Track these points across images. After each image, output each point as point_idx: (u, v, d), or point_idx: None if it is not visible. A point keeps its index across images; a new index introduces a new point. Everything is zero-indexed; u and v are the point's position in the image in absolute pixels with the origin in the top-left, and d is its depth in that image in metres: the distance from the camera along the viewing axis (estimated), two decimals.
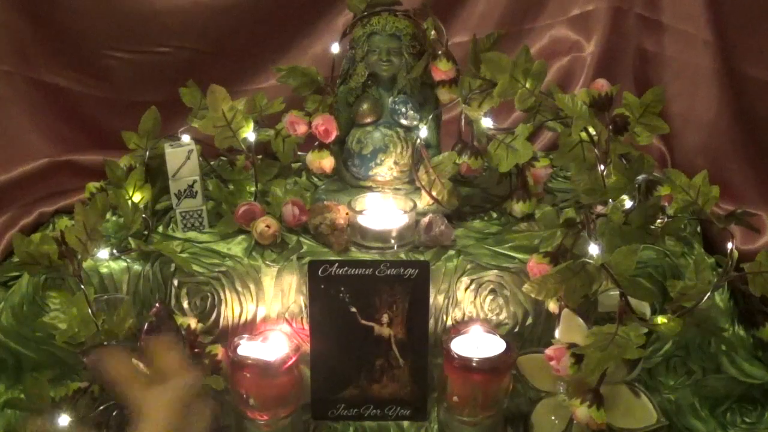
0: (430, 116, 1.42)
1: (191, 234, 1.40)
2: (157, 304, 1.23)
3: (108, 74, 1.72)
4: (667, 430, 1.27)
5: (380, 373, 1.31)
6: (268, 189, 1.45)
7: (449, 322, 1.33)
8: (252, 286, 1.32)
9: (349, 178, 1.48)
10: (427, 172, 1.40)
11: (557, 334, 1.23)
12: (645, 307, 1.23)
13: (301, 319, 1.33)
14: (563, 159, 1.36)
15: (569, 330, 1.22)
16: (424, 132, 1.41)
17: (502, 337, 1.28)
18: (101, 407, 1.18)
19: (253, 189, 1.44)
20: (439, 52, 1.40)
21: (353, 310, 1.28)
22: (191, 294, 1.32)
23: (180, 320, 1.27)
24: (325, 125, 1.41)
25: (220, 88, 1.39)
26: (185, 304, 1.32)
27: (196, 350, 1.24)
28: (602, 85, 1.33)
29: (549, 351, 1.19)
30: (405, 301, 1.27)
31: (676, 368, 1.36)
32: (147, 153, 1.48)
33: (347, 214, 1.37)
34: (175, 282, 1.32)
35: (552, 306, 1.27)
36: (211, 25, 1.71)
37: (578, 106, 1.30)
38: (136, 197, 1.40)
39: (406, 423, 1.33)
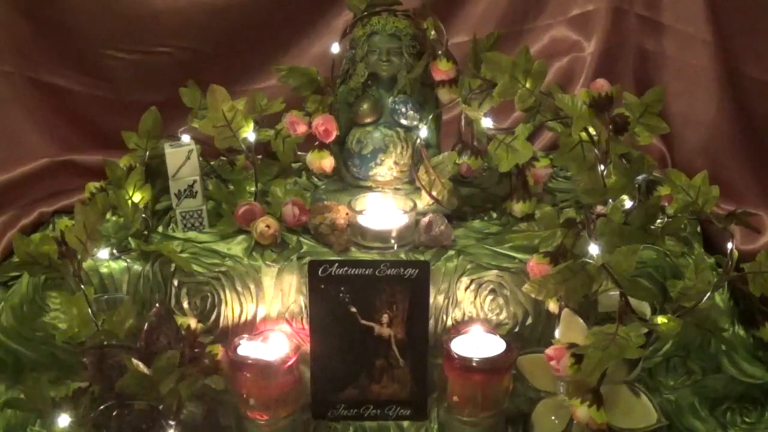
0: (430, 116, 1.42)
1: (191, 234, 1.40)
2: (157, 304, 1.22)
3: (108, 74, 1.72)
4: (667, 430, 1.27)
5: (380, 373, 1.31)
6: (268, 189, 1.45)
7: (449, 322, 1.33)
8: (252, 286, 1.32)
9: (349, 178, 1.48)
10: (427, 172, 1.40)
11: (557, 334, 1.23)
12: (645, 307, 1.23)
13: (301, 319, 1.33)
14: (563, 159, 1.36)
15: (569, 330, 1.22)
16: (424, 132, 1.41)
17: (502, 337, 1.28)
18: (101, 407, 1.18)
19: (253, 189, 1.44)
20: (439, 52, 1.40)
21: (353, 310, 1.28)
22: (191, 294, 1.32)
23: (180, 320, 1.27)
24: (325, 125, 1.41)
25: (220, 88, 1.39)
26: (185, 304, 1.32)
27: (196, 350, 1.24)
28: (602, 85, 1.33)
29: (549, 351, 1.19)
30: (405, 301, 1.27)
31: (676, 368, 1.36)
32: (147, 153, 1.48)
33: (347, 214, 1.37)
34: (175, 282, 1.32)
35: (552, 306, 1.27)
36: (211, 25, 1.71)
37: (578, 106, 1.30)
38: (136, 197, 1.40)
39: (406, 423, 1.32)
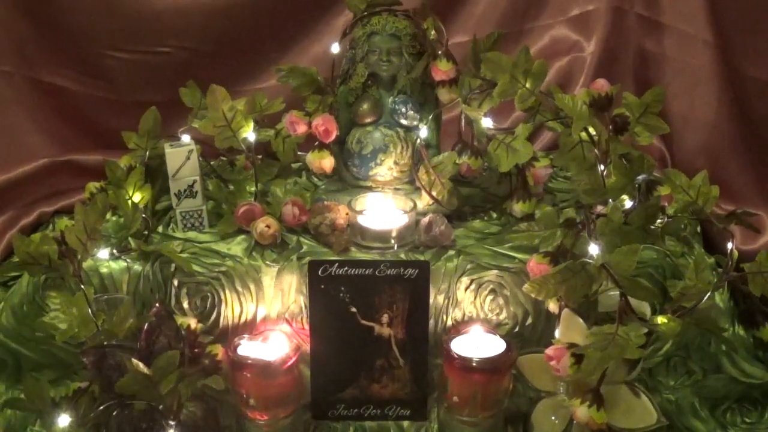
0: (430, 116, 1.42)
1: (191, 234, 1.40)
2: (157, 304, 1.22)
3: (108, 74, 1.72)
4: (667, 430, 1.27)
5: (380, 373, 1.31)
6: (268, 189, 1.45)
7: (449, 322, 1.33)
8: (252, 286, 1.32)
9: (349, 178, 1.48)
10: (427, 172, 1.40)
11: (557, 334, 1.23)
12: (645, 307, 1.23)
13: (301, 319, 1.33)
14: (563, 159, 1.36)
15: (569, 330, 1.22)
16: (424, 132, 1.41)
17: (502, 337, 1.28)
18: (101, 407, 1.18)
19: (253, 189, 1.44)
20: (439, 52, 1.40)
21: (353, 310, 1.28)
22: (191, 294, 1.32)
23: (180, 320, 1.27)
24: (325, 125, 1.41)
25: (220, 88, 1.39)
26: (185, 304, 1.32)
27: (196, 350, 1.24)
28: (602, 85, 1.33)
29: (549, 351, 1.19)
30: (405, 301, 1.27)
31: (676, 368, 1.36)
32: (147, 153, 1.48)
33: (347, 214, 1.37)
34: (175, 282, 1.32)
35: (552, 306, 1.27)
36: (211, 25, 1.71)
37: (578, 106, 1.30)
38: (136, 197, 1.40)
39: (406, 423, 1.32)
